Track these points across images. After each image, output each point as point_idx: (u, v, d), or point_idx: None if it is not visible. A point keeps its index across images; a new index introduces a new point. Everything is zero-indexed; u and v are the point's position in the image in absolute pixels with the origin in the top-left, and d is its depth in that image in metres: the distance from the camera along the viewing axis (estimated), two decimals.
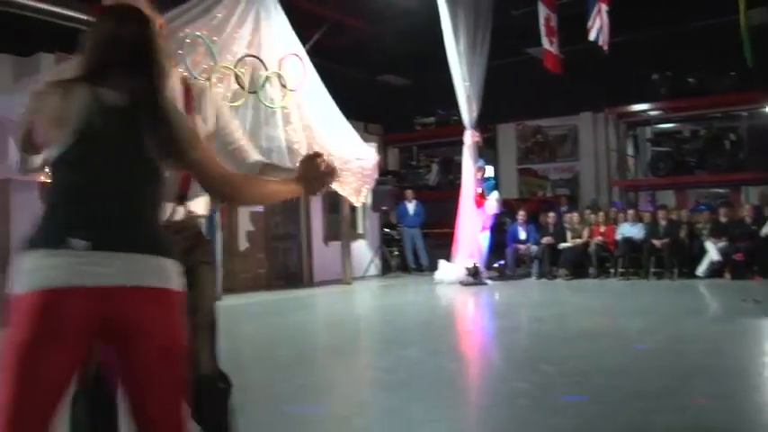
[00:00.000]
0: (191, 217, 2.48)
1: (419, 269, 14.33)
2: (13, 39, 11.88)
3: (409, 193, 14.88)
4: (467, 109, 12.25)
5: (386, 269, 14.81)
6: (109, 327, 1.76)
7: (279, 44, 10.52)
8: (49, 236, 1.78)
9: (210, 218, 10.01)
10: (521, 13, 12.03)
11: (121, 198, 1.85)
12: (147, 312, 1.79)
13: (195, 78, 9.15)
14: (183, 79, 2.61)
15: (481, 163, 12.64)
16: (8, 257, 2.06)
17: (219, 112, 2.60)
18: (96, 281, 1.73)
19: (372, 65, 15.21)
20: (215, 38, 9.53)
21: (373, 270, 14.51)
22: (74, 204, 1.82)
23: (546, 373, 4.88)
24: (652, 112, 14.55)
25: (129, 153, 1.87)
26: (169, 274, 1.85)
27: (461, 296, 10.76)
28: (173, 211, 2.41)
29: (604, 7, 10.74)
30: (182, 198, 2.43)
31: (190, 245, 2.44)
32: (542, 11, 11.38)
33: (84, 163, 1.82)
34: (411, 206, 14.64)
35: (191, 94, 2.52)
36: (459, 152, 13.13)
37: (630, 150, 15.74)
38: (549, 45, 11.68)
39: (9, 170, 6.85)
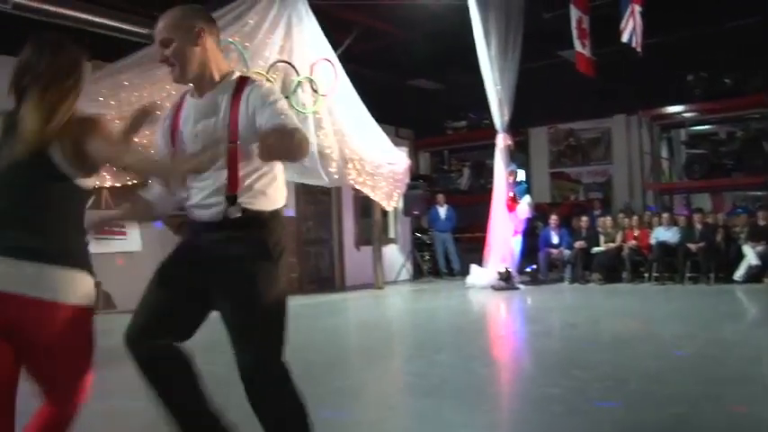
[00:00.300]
0: (250, 213, 2.49)
1: (451, 274, 14.29)
2: None
3: (441, 197, 14.85)
4: (498, 113, 12.20)
5: (417, 274, 14.79)
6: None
7: (310, 49, 10.58)
8: None
9: None
10: (552, 16, 11.93)
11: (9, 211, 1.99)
12: (21, 314, 1.94)
13: None
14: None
15: (513, 167, 12.58)
16: None
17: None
18: None
19: (403, 69, 15.20)
20: (247, 44, 9.62)
21: (405, 275, 14.52)
22: None
23: (579, 379, 4.83)
24: (687, 114, 14.32)
25: (30, 173, 2.03)
26: (46, 282, 1.95)
27: (493, 301, 10.71)
28: (225, 210, 2.46)
29: (637, 8, 10.61)
30: (231, 199, 2.47)
31: (243, 243, 2.48)
32: (574, 13, 11.28)
33: None
34: (442, 210, 14.62)
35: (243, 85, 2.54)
36: (491, 156, 13.08)
37: (665, 153, 15.51)
38: (581, 47, 11.58)
39: None
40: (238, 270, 2.46)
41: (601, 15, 11.36)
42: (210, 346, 2.92)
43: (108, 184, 8.24)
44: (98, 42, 11.45)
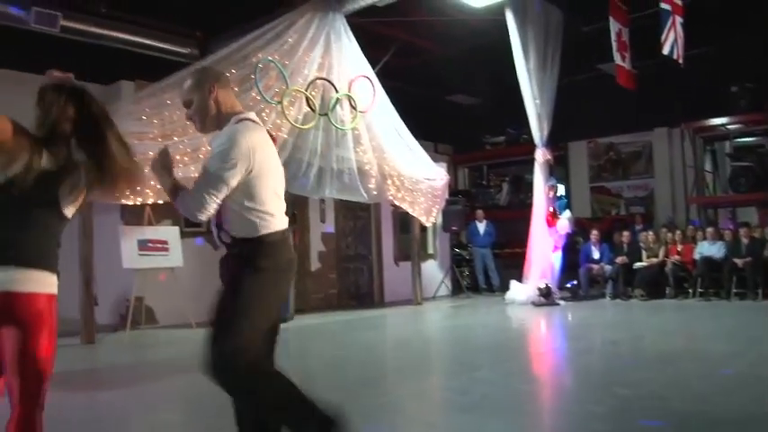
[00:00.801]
0: (237, 238, 2.98)
1: (490, 290, 14.21)
2: (95, 68, 12.40)
3: (480, 213, 14.80)
4: (537, 127, 12.12)
5: (456, 290, 14.71)
6: None
7: (349, 66, 10.66)
8: None
9: None
10: (591, 29, 11.86)
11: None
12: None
13: (268, 102, 9.37)
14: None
15: (553, 181, 12.48)
16: None
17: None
18: None
19: (442, 85, 15.23)
20: (286, 62, 9.73)
21: (444, 290, 14.45)
22: None
23: (622, 397, 4.74)
24: (731, 126, 14.04)
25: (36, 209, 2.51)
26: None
27: (533, 317, 10.59)
28: (219, 236, 3.04)
29: (678, 19, 10.47)
30: (219, 226, 3.01)
31: (234, 259, 3.00)
32: (614, 25, 11.20)
33: None
34: (481, 226, 14.56)
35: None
36: (530, 171, 13.00)
37: (708, 166, 15.25)
38: (621, 60, 11.47)
39: None
40: (228, 279, 3.01)
41: (641, 27, 11.26)
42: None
43: (150, 201, 8.39)
44: (141, 62, 11.72)
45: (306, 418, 3.00)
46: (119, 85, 11.79)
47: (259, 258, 2.92)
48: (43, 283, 2.51)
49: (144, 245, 9.13)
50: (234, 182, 2.86)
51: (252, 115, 3.13)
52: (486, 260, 14.42)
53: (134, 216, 9.67)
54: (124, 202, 8.25)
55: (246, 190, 2.91)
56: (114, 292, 9.74)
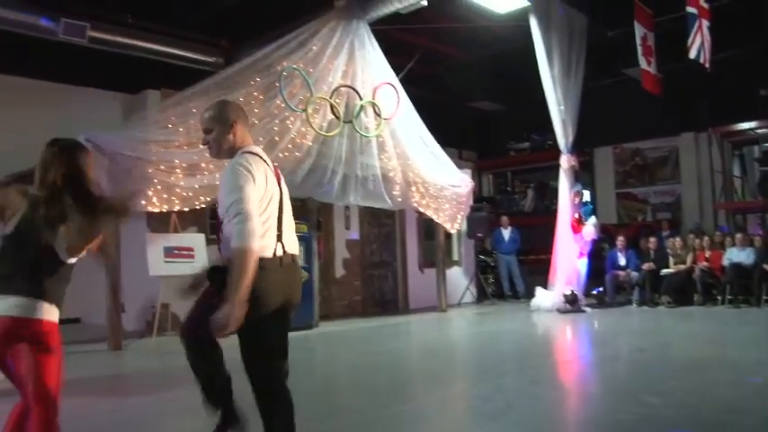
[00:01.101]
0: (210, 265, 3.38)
1: (515, 296, 14.14)
2: (122, 77, 12.57)
3: (505, 219, 14.75)
4: (562, 133, 12.05)
5: (481, 296, 14.65)
6: None
7: (373, 73, 10.69)
8: None
9: (308, 245, 10.21)
10: (616, 34, 11.79)
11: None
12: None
13: (292, 110, 9.42)
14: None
15: (578, 187, 12.38)
16: None
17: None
18: None
19: (465, 91, 15.21)
20: (311, 69, 9.78)
21: (469, 297, 14.39)
22: None
23: (651, 405, 4.68)
24: (760, 130, 13.85)
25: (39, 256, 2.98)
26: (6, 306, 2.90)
27: (559, 324, 10.52)
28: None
29: (705, 23, 10.37)
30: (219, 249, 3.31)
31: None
32: (639, 30, 11.11)
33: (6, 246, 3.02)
34: (506, 232, 14.50)
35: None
36: (555, 177, 12.93)
37: (737, 171, 15.06)
38: (646, 65, 11.38)
39: None
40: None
41: (666, 31, 11.18)
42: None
43: (176, 208, 8.46)
44: (167, 71, 11.84)
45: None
46: (145, 94, 11.92)
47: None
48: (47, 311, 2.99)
49: (170, 252, 9.20)
50: (254, 196, 3.03)
51: (256, 149, 3.29)
52: (511, 267, 14.36)
53: (160, 223, 9.76)
54: (150, 209, 8.32)
55: None
56: (141, 299, 9.83)
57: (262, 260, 3.01)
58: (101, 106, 11.91)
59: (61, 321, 3.08)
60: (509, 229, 14.54)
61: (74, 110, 11.38)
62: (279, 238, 3.16)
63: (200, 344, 3.61)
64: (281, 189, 3.27)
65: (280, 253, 3.14)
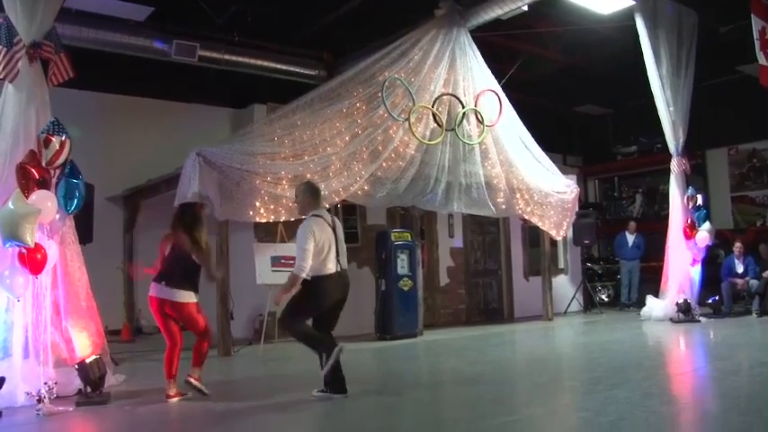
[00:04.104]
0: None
1: (630, 305, 13.66)
2: (229, 93, 13.04)
3: (632, 224, 14.33)
4: (672, 135, 11.58)
5: (588, 305, 14.24)
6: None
7: (475, 81, 10.66)
8: None
9: (411, 254, 10.25)
10: (730, 29, 11.25)
11: None
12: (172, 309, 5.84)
13: (395, 119, 9.50)
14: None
15: (691, 192, 11.85)
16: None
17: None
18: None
19: (570, 95, 14.91)
20: (412, 79, 9.85)
21: (575, 306, 14.03)
22: None
23: None
24: None
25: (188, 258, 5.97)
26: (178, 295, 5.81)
27: (672, 334, 10.09)
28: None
29: None
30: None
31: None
32: (756, 23, 10.52)
33: None
34: (631, 238, 14.02)
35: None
36: (664, 181, 12.48)
37: None
38: (765, 60, 10.77)
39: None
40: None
41: None
42: None
43: (283, 218, 8.67)
44: (272, 86, 12.20)
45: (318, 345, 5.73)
46: (251, 109, 12.32)
47: (313, 285, 5.67)
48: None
49: (277, 261, 9.42)
50: (311, 247, 5.53)
51: (321, 212, 5.85)
52: (632, 274, 13.89)
53: (267, 233, 10.03)
54: (258, 220, 8.56)
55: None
56: (249, 307, 10.12)
57: (326, 275, 5.65)
58: (210, 121, 12.41)
59: None
60: (634, 234, 14.05)
61: (185, 126, 11.92)
62: (337, 261, 5.74)
63: (292, 321, 5.75)
64: (335, 233, 5.77)
65: (336, 269, 5.74)
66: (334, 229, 5.76)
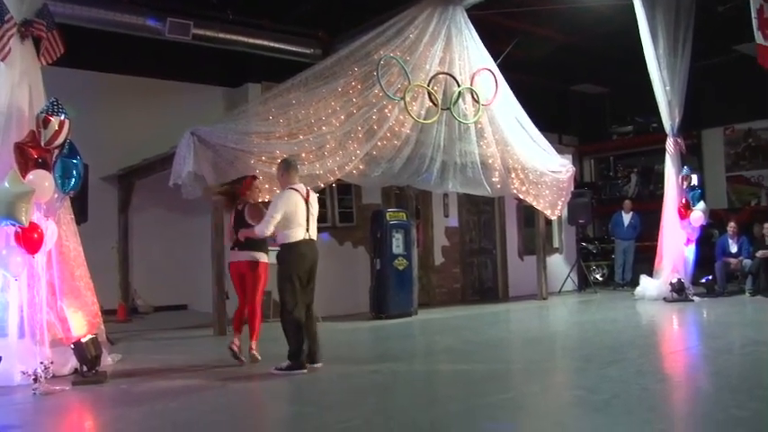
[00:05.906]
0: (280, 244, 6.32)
1: (621, 284, 13.71)
2: (223, 72, 12.96)
3: (627, 203, 14.25)
4: (668, 115, 11.56)
5: (583, 284, 14.29)
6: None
7: (470, 59, 10.61)
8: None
9: (406, 233, 10.25)
10: (728, 8, 11.19)
11: None
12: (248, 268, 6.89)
13: (390, 98, 9.46)
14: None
15: (686, 171, 11.86)
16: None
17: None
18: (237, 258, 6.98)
19: (566, 74, 14.86)
20: (408, 57, 9.79)
21: (570, 285, 14.08)
22: None
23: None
24: None
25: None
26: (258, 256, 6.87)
27: (665, 314, 10.15)
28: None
29: None
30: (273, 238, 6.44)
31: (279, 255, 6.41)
32: (755, 1, 10.45)
33: None
34: (627, 217, 14.01)
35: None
36: (660, 161, 12.48)
37: None
38: (763, 39, 10.70)
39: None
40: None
41: None
42: None
43: (267, 198, 8.66)
44: (267, 65, 12.12)
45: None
46: (246, 88, 12.25)
47: (285, 250, 6.19)
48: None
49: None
50: (278, 216, 6.03)
51: (297, 186, 6.27)
52: (626, 254, 13.90)
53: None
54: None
55: (283, 222, 6.08)
56: None
57: (295, 240, 6.12)
58: (204, 100, 12.34)
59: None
60: (630, 213, 14.04)
61: (179, 105, 11.85)
62: (307, 230, 6.18)
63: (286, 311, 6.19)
64: (307, 204, 6.18)
65: (304, 237, 6.17)
66: (307, 202, 6.20)
